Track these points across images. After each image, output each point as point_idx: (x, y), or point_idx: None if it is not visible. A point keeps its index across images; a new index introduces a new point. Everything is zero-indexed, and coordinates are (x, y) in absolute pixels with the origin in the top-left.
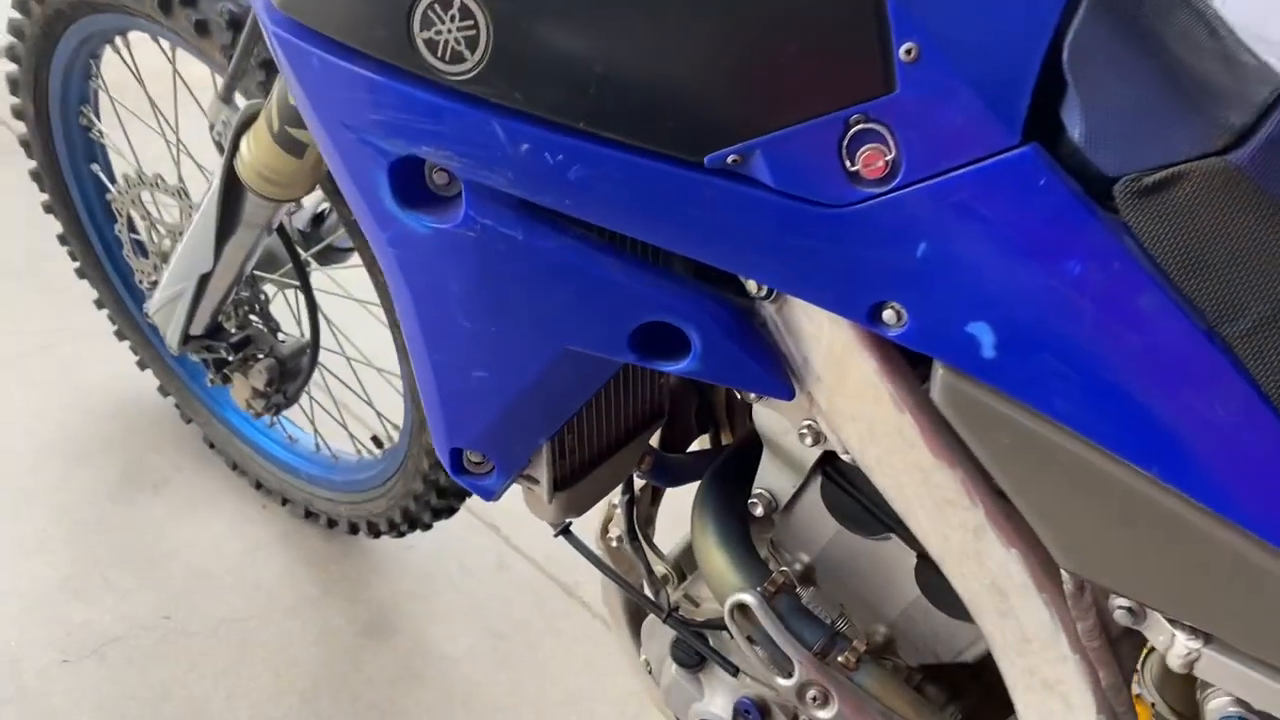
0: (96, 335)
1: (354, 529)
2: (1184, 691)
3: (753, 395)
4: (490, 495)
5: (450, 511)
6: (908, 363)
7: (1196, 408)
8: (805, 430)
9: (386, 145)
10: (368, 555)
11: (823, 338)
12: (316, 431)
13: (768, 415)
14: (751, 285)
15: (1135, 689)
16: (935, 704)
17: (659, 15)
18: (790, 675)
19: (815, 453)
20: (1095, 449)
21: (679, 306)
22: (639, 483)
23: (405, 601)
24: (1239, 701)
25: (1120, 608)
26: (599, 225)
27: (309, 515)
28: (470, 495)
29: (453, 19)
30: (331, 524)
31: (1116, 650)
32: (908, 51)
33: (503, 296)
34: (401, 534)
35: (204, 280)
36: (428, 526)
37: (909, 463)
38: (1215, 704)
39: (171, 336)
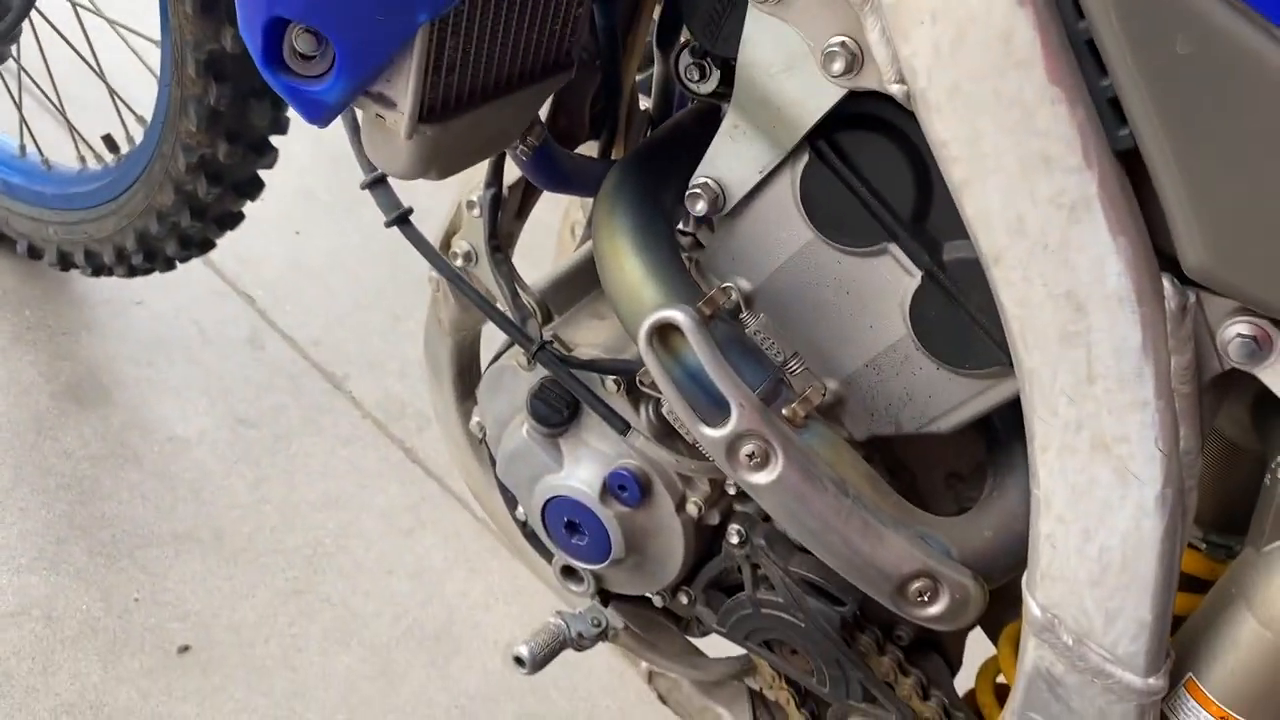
0: None
1: (66, 262)
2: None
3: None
4: (319, 113)
5: (206, 246)
6: None
7: None
8: (838, 49)
9: None
10: (80, 303)
11: None
12: (24, 123)
13: (767, 35)
14: None
15: None
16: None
17: None
18: (722, 425)
19: (831, 96)
20: None
21: None
22: (510, 176)
23: (126, 366)
24: None
25: (1240, 336)
26: None
27: (2, 240)
28: (233, 227)
29: None
30: (34, 254)
31: (1201, 404)
32: None
33: None
34: (134, 272)
35: None
36: (170, 264)
37: (1005, 93)
38: None
39: None
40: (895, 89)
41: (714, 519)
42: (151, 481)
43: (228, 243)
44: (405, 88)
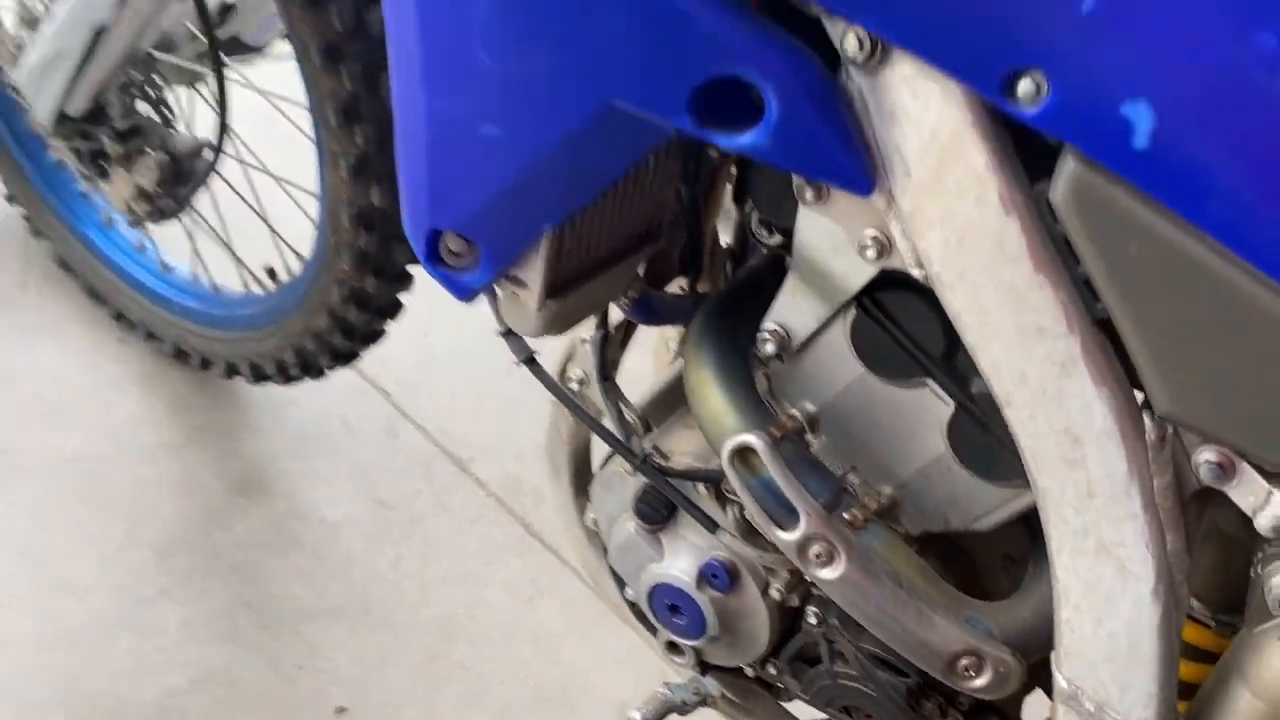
0: None
1: (232, 371)
2: (1228, 579)
3: (809, 193)
4: (467, 294)
5: (352, 356)
6: (1017, 153)
7: None
8: (870, 241)
9: None
10: (242, 406)
11: (926, 119)
12: (198, 256)
13: (815, 226)
14: (852, 42)
15: None
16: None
17: None
18: (793, 529)
19: (868, 273)
20: (1240, 265)
21: (758, 60)
22: (615, 317)
23: (282, 460)
24: None
25: (1208, 462)
26: None
27: (179, 354)
28: (375, 341)
29: None
30: (206, 365)
31: (1185, 515)
32: None
33: (542, 26)
34: (290, 380)
35: (96, 39)
36: (321, 373)
37: (1002, 280)
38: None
39: (42, 110)
40: (917, 272)
41: (794, 601)
42: (308, 562)
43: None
44: (535, 275)
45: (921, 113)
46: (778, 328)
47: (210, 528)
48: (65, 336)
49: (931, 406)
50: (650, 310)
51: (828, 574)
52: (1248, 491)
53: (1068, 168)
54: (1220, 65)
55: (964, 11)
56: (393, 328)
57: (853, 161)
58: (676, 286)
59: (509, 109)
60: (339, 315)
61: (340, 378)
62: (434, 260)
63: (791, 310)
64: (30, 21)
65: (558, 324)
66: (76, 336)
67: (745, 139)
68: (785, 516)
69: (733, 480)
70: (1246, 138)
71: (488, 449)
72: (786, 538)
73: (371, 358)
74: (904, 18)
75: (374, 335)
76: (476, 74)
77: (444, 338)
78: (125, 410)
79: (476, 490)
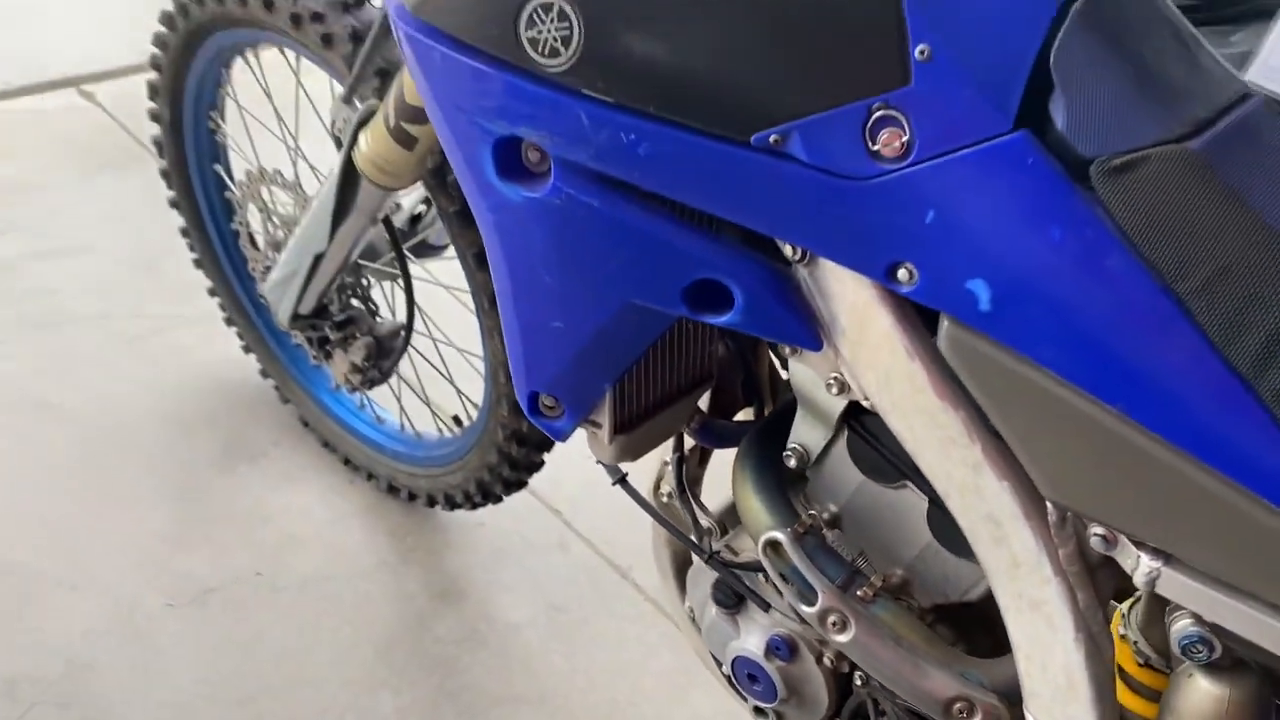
0: (208, 321)
1: (432, 502)
2: (1162, 631)
3: (787, 349)
4: (560, 436)
5: (520, 484)
6: (919, 317)
7: (1156, 352)
8: (832, 381)
9: (492, 126)
10: (442, 529)
11: (847, 296)
12: (403, 410)
13: (801, 371)
14: (788, 249)
15: (1120, 629)
16: (945, 640)
17: (715, 20)
18: (814, 604)
19: (841, 403)
20: (1073, 389)
21: (726, 266)
22: (689, 443)
23: (474, 572)
24: (1198, 620)
25: (1096, 535)
26: (663, 195)
27: (391, 489)
28: (538, 470)
29: (552, 20)
30: (412, 497)
31: (1094, 576)
32: (922, 52)
33: (579, 255)
34: (475, 506)
35: (316, 261)
36: (499, 499)
37: (918, 406)
38: (1179, 625)
39: (283, 313)
40: (866, 403)
41: (845, 668)
42: (494, 657)
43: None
44: (604, 419)
45: (844, 292)
46: (798, 446)
47: (418, 629)
48: (307, 481)
49: (914, 503)
50: (715, 435)
51: (842, 638)
52: (1126, 556)
53: (944, 325)
54: (1029, 249)
55: (854, 226)
56: (561, 458)
57: (804, 328)
58: (746, 414)
59: (566, 310)
60: (504, 452)
61: (519, 501)
62: (535, 413)
63: (804, 432)
64: (275, 245)
65: (628, 453)
66: (316, 480)
67: (725, 319)
68: (808, 594)
69: (766, 567)
70: (1054, 298)
71: (645, 558)
72: (808, 611)
73: (544, 483)
74: (815, 235)
75: (534, 466)
76: (542, 288)
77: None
78: (353, 537)
79: (635, 594)
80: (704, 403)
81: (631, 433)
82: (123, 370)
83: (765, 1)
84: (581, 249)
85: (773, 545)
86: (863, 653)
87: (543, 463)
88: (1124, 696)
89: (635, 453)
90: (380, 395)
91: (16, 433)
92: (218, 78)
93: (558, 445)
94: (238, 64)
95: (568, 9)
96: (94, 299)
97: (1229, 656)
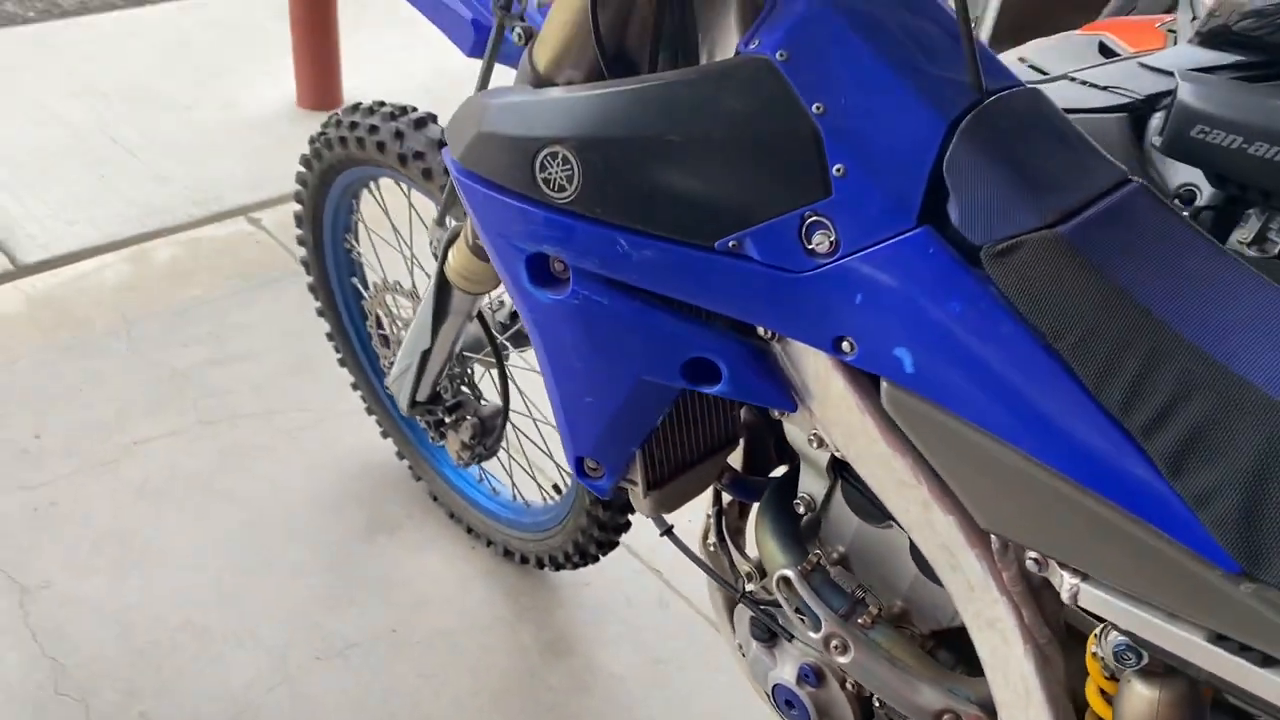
0: (352, 412)
1: (540, 563)
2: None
3: (775, 413)
4: (604, 493)
5: (612, 545)
6: (867, 379)
7: (1044, 399)
8: (813, 437)
9: (523, 245)
10: (553, 588)
11: (809, 365)
12: (513, 483)
13: (793, 431)
14: (760, 329)
15: (1094, 649)
16: (946, 665)
17: (680, 157)
18: (819, 630)
19: (824, 455)
20: (987, 434)
21: (713, 345)
22: (726, 498)
23: (581, 627)
24: (1119, 630)
25: (1030, 559)
26: (656, 291)
27: (506, 554)
28: (626, 531)
29: (558, 165)
30: (524, 560)
31: (1037, 595)
32: (839, 170)
33: (598, 343)
34: (576, 565)
35: (425, 356)
36: (595, 559)
37: (874, 454)
38: (1110, 636)
39: (402, 402)
40: (838, 454)
41: (867, 692)
42: (601, 704)
43: (638, 538)
44: (638, 476)
45: (806, 362)
46: (805, 495)
47: (530, 679)
48: (437, 548)
49: (899, 540)
50: (746, 490)
51: (844, 660)
52: (1055, 575)
53: (883, 386)
54: (937, 321)
55: (803, 309)
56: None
57: (781, 394)
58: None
59: (593, 388)
60: (592, 515)
61: (622, 563)
62: (581, 474)
63: (809, 484)
64: (397, 343)
65: (663, 507)
66: (443, 548)
67: (716, 389)
68: (814, 622)
69: (780, 601)
70: (961, 359)
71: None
72: (814, 637)
73: (645, 547)
74: (774, 318)
75: (620, 527)
76: (574, 371)
77: (693, 521)
78: (475, 597)
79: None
80: (739, 462)
81: (663, 489)
82: (284, 458)
83: (718, 140)
84: (599, 338)
85: (785, 581)
86: (862, 672)
87: (628, 524)
88: (1099, 707)
89: (670, 506)
90: (495, 469)
91: (196, 513)
92: (349, 206)
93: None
94: (363, 194)
95: (569, 155)
96: (260, 398)
97: (1160, 663)
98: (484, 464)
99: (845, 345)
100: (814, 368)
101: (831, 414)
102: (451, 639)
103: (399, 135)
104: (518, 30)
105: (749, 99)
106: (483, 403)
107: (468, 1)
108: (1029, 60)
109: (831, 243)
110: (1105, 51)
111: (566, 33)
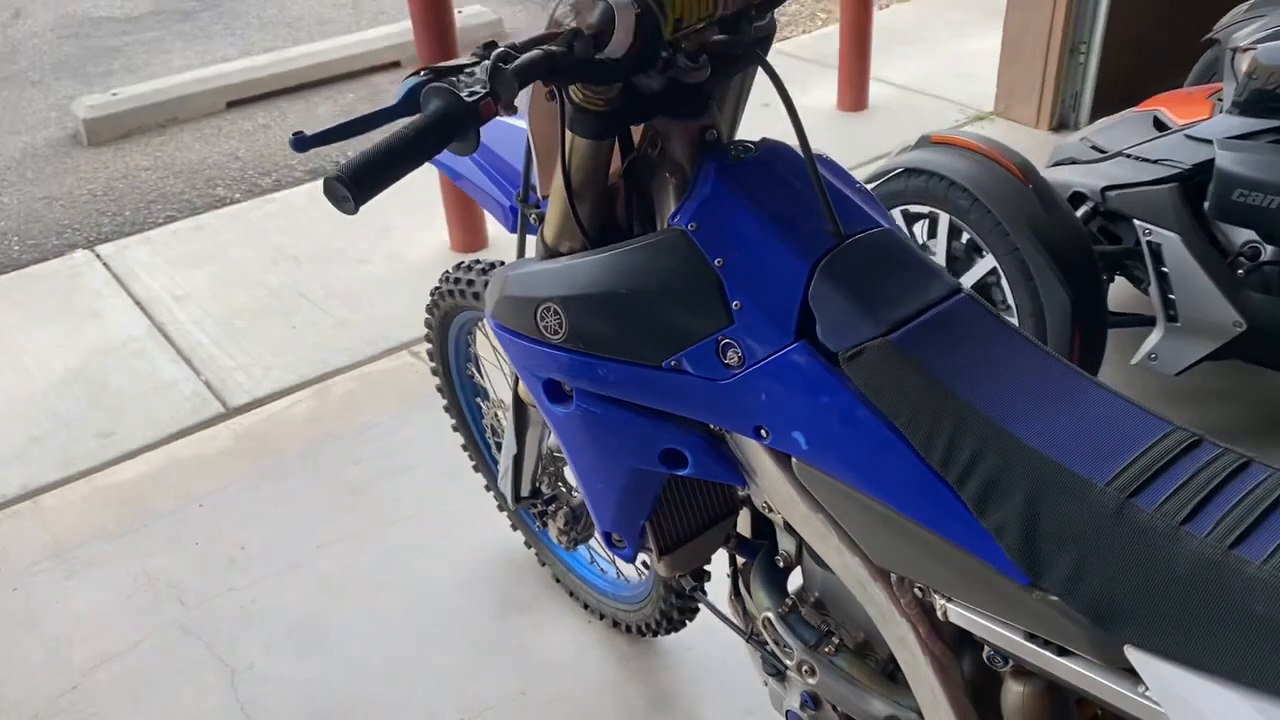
0: (487, 511)
1: (640, 631)
2: None
3: (737, 489)
4: (629, 560)
5: (693, 611)
6: (784, 457)
7: (892, 464)
8: (765, 505)
9: (538, 374)
10: (659, 653)
11: (747, 448)
12: (614, 562)
13: (755, 501)
14: (710, 425)
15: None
16: (902, 682)
17: (629, 311)
18: (792, 658)
19: (779, 519)
20: (863, 493)
21: (680, 439)
22: (740, 560)
23: (682, 686)
24: (986, 643)
25: (917, 587)
26: (630, 401)
27: (615, 624)
28: (700, 600)
29: (551, 316)
30: (628, 629)
31: (930, 616)
32: (737, 305)
33: (598, 442)
34: (666, 631)
35: (517, 460)
36: (681, 625)
37: (799, 514)
38: (986, 647)
39: (510, 498)
40: (782, 517)
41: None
42: None
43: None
44: (651, 544)
45: (745, 446)
46: (784, 552)
47: None
48: (559, 622)
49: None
50: (750, 551)
51: (812, 680)
52: (932, 598)
53: (792, 460)
54: (815, 411)
55: (730, 407)
56: None
57: (734, 473)
58: None
59: (602, 476)
60: (671, 587)
61: (719, 628)
62: (610, 545)
63: (783, 542)
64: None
65: (677, 568)
66: (565, 621)
67: (686, 471)
68: (789, 652)
69: (765, 637)
70: (835, 439)
71: None
72: (789, 663)
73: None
74: (713, 415)
75: (695, 597)
76: (588, 464)
77: None
78: (591, 662)
79: None
80: (747, 529)
81: (674, 554)
82: (434, 552)
83: (655, 290)
84: (599, 438)
85: (767, 621)
86: (827, 690)
87: (705, 592)
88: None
89: (684, 567)
90: (600, 550)
91: (365, 602)
92: (465, 341)
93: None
94: (475, 331)
95: (557, 308)
96: (417, 502)
97: (1022, 665)
98: (592, 546)
99: (763, 432)
100: (749, 450)
101: (767, 485)
102: (571, 699)
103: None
104: (534, 215)
105: (672, 259)
106: (573, 494)
107: (505, 190)
108: (1090, 140)
109: (739, 357)
110: (1159, 125)
111: (559, 218)
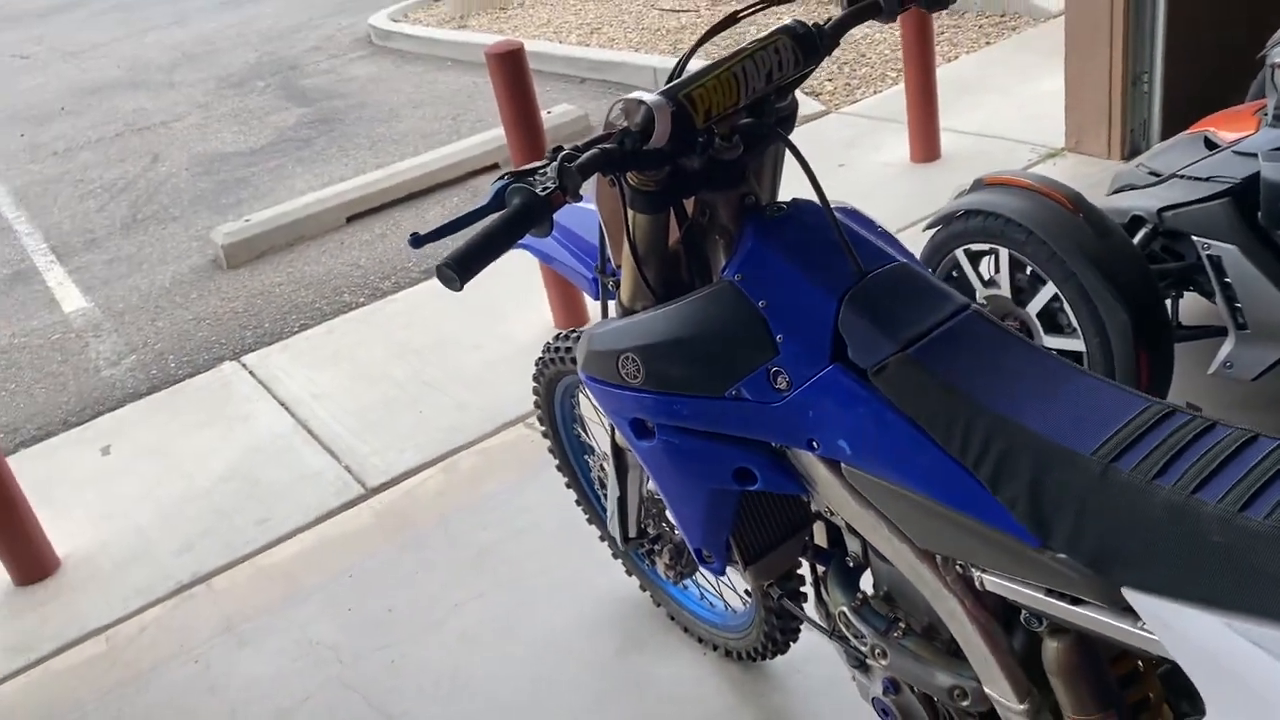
0: (603, 560)
1: (749, 657)
2: None
3: (804, 496)
4: (718, 573)
5: (794, 632)
6: (835, 464)
7: (926, 461)
8: (826, 510)
9: (625, 415)
10: (769, 677)
11: (804, 460)
12: (720, 594)
13: (819, 508)
14: (772, 443)
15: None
16: (963, 658)
17: (692, 351)
18: (866, 644)
19: (840, 520)
20: (903, 487)
21: (748, 458)
22: (820, 569)
23: (792, 706)
24: (1020, 606)
25: (959, 564)
26: (704, 429)
27: (726, 653)
28: (800, 621)
29: (631, 364)
30: (739, 656)
31: (971, 588)
32: (780, 338)
33: (680, 469)
34: (771, 655)
35: (621, 503)
36: (785, 647)
37: (853, 512)
38: (1024, 612)
39: (619, 540)
40: (843, 518)
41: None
42: None
43: None
44: (736, 556)
45: (802, 458)
46: (853, 553)
47: None
48: (675, 656)
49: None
50: (826, 558)
51: (884, 662)
52: (971, 572)
53: (841, 465)
54: (854, 420)
55: (785, 426)
56: None
57: (797, 484)
58: None
59: (686, 500)
60: (772, 609)
61: (826, 651)
62: (701, 562)
63: (850, 544)
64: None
65: (762, 577)
66: (681, 655)
67: (756, 486)
68: (862, 639)
69: (842, 628)
70: (873, 444)
71: None
72: (863, 646)
73: None
74: (773, 434)
75: (796, 618)
76: (675, 489)
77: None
78: (707, 690)
79: None
80: (823, 538)
81: (758, 564)
82: (558, 603)
83: (713, 334)
84: (680, 465)
85: (842, 614)
86: (899, 670)
87: (802, 614)
88: None
89: (768, 576)
90: (706, 584)
91: (499, 651)
92: (570, 404)
93: None
94: (578, 393)
95: (634, 357)
96: (540, 559)
97: (1056, 623)
98: (699, 583)
99: (814, 443)
100: (806, 462)
101: (824, 490)
102: (687, 714)
103: None
104: (611, 282)
105: (724, 306)
106: (675, 532)
107: (586, 264)
108: (1145, 165)
109: (788, 382)
110: (1209, 144)
111: (630, 282)
